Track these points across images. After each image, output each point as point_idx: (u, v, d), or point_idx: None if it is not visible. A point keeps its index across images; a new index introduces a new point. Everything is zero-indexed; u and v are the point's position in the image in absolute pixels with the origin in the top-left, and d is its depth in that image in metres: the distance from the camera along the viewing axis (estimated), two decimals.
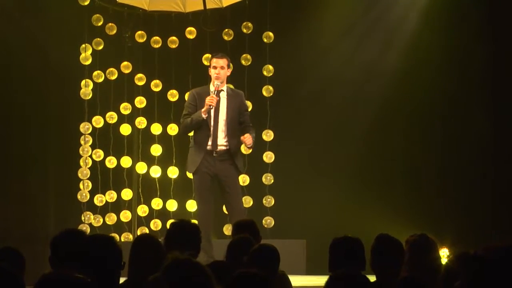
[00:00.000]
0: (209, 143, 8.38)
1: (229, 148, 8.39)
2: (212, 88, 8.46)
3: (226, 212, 8.75)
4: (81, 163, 9.89)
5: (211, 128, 8.37)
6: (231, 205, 8.48)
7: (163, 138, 10.06)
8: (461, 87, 10.23)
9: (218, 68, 8.47)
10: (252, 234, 5.80)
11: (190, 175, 8.79)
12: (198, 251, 5.34)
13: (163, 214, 9.92)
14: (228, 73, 8.57)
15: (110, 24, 9.99)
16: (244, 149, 8.84)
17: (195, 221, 7.31)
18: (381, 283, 4.76)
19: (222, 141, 8.39)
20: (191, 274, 3.62)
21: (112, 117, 9.98)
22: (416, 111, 10.31)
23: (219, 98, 8.40)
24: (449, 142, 10.25)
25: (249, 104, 9.18)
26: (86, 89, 9.95)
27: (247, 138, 8.37)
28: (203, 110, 8.31)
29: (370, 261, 4.94)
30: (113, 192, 9.89)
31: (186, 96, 10.03)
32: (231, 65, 8.80)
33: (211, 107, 8.29)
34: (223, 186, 8.42)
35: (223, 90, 8.48)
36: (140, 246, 5.19)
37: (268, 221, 9.80)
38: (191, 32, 10.10)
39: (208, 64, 8.85)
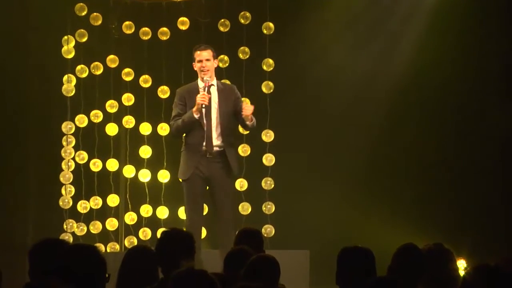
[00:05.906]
0: (204, 144, 8.34)
1: (224, 148, 8.35)
2: (201, 84, 8.43)
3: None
4: (63, 166, 9.87)
5: (205, 128, 8.34)
6: (219, 212, 8.44)
7: (153, 139, 10.04)
8: (476, 90, 10.18)
9: (204, 61, 8.46)
10: (255, 245, 5.76)
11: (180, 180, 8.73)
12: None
13: (153, 222, 9.91)
14: (215, 65, 8.56)
15: (95, 14, 9.99)
16: (242, 130, 8.81)
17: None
18: None
19: (216, 141, 8.36)
20: (201, 284, 3.63)
21: (97, 115, 9.97)
22: (428, 112, 10.34)
23: (211, 94, 8.37)
24: (463, 147, 10.23)
25: (247, 102, 9.13)
26: (69, 85, 9.94)
27: (247, 108, 8.30)
28: (194, 109, 8.27)
29: (387, 272, 4.92)
30: (98, 198, 9.89)
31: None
32: (217, 57, 8.79)
33: (203, 105, 8.24)
34: (214, 191, 8.39)
35: (213, 85, 8.45)
36: (132, 257, 5.18)
37: (268, 230, 9.77)
38: (183, 23, 10.09)
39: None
